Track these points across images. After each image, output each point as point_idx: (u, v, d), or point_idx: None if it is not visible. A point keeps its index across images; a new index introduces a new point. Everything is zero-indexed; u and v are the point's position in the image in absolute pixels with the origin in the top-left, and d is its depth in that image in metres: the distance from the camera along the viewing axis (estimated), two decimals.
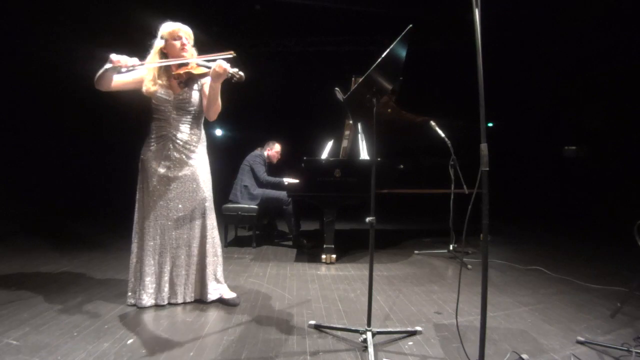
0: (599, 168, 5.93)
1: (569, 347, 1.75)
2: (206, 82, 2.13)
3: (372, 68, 1.69)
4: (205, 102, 2.15)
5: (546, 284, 2.76)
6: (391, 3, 5.40)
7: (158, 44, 2.09)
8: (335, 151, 4.21)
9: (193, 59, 2.05)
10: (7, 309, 2.03)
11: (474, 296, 2.42)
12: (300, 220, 4.29)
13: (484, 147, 1.33)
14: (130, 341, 1.71)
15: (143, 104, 2.17)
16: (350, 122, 3.71)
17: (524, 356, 1.62)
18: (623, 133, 5.56)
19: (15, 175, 5.26)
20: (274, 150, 4.27)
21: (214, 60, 1.95)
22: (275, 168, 4.39)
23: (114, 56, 1.85)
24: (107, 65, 1.86)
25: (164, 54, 2.10)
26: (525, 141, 6.88)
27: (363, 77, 1.72)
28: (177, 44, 2.07)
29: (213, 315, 2.05)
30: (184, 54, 2.08)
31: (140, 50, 2.07)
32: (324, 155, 4.22)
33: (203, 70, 2.00)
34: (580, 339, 1.78)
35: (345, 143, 3.88)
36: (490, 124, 6.00)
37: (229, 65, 1.93)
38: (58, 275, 2.72)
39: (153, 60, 2.07)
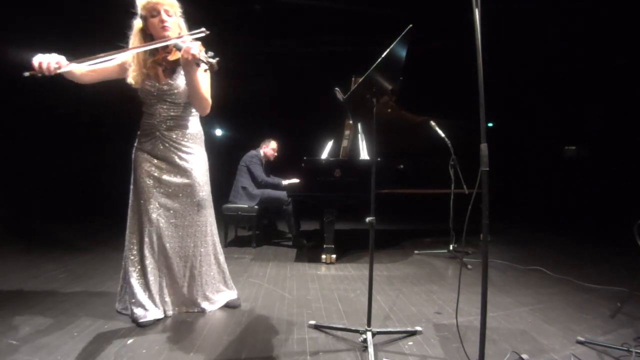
0: (599, 168, 5.94)
1: (569, 347, 1.75)
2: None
3: (372, 68, 1.69)
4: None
5: (546, 284, 2.76)
6: (391, 3, 5.40)
7: (137, 23, 1.78)
8: (335, 151, 4.21)
9: (165, 41, 1.67)
10: (7, 309, 2.03)
11: (474, 296, 2.42)
12: (300, 220, 4.29)
13: (484, 147, 1.33)
14: (130, 341, 1.71)
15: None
16: (350, 122, 3.70)
17: (524, 356, 1.62)
18: (623, 133, 5.57)
19: (15, 177, 5.26)
20: (269, 147, 4.25)
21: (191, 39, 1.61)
22: (277, 168, 4.38)
23: (37, 58, 1.50)
24: (25, 73, 1.50)
25: (147, 34, 1.78)
26: (525, 141, 6.88)
27: (363, 77, 1.72)
28: (155, 20, 1.73)
29: (213, 316, 2.04)
30: (166, 32, 1.72)
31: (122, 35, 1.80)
32: (324, 155, 4.22)
33: (178, 55, 1.65)
34: (580, 339, 1.78)
35: (345, 143, 3.87)
36: (490, 124, 6.00)
37: (199, 49, 1.56)
38: (58, 275, 2.72)
39: (134, 44, 1.74)
